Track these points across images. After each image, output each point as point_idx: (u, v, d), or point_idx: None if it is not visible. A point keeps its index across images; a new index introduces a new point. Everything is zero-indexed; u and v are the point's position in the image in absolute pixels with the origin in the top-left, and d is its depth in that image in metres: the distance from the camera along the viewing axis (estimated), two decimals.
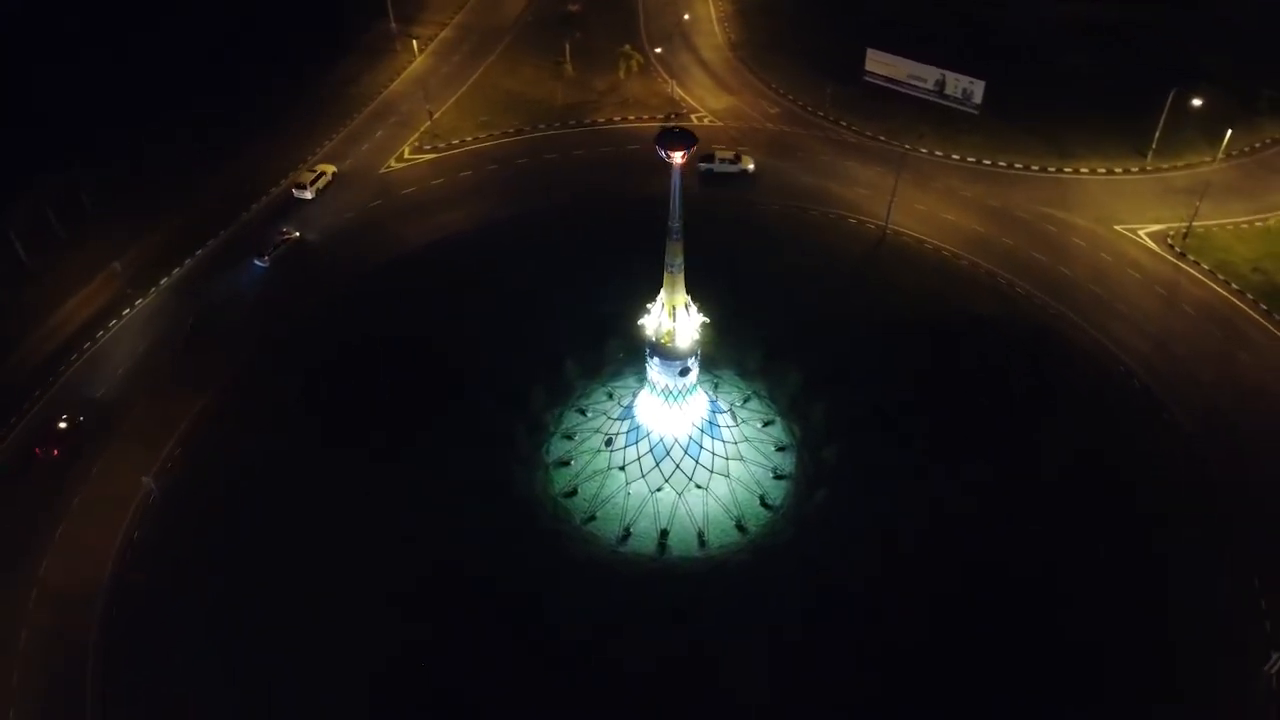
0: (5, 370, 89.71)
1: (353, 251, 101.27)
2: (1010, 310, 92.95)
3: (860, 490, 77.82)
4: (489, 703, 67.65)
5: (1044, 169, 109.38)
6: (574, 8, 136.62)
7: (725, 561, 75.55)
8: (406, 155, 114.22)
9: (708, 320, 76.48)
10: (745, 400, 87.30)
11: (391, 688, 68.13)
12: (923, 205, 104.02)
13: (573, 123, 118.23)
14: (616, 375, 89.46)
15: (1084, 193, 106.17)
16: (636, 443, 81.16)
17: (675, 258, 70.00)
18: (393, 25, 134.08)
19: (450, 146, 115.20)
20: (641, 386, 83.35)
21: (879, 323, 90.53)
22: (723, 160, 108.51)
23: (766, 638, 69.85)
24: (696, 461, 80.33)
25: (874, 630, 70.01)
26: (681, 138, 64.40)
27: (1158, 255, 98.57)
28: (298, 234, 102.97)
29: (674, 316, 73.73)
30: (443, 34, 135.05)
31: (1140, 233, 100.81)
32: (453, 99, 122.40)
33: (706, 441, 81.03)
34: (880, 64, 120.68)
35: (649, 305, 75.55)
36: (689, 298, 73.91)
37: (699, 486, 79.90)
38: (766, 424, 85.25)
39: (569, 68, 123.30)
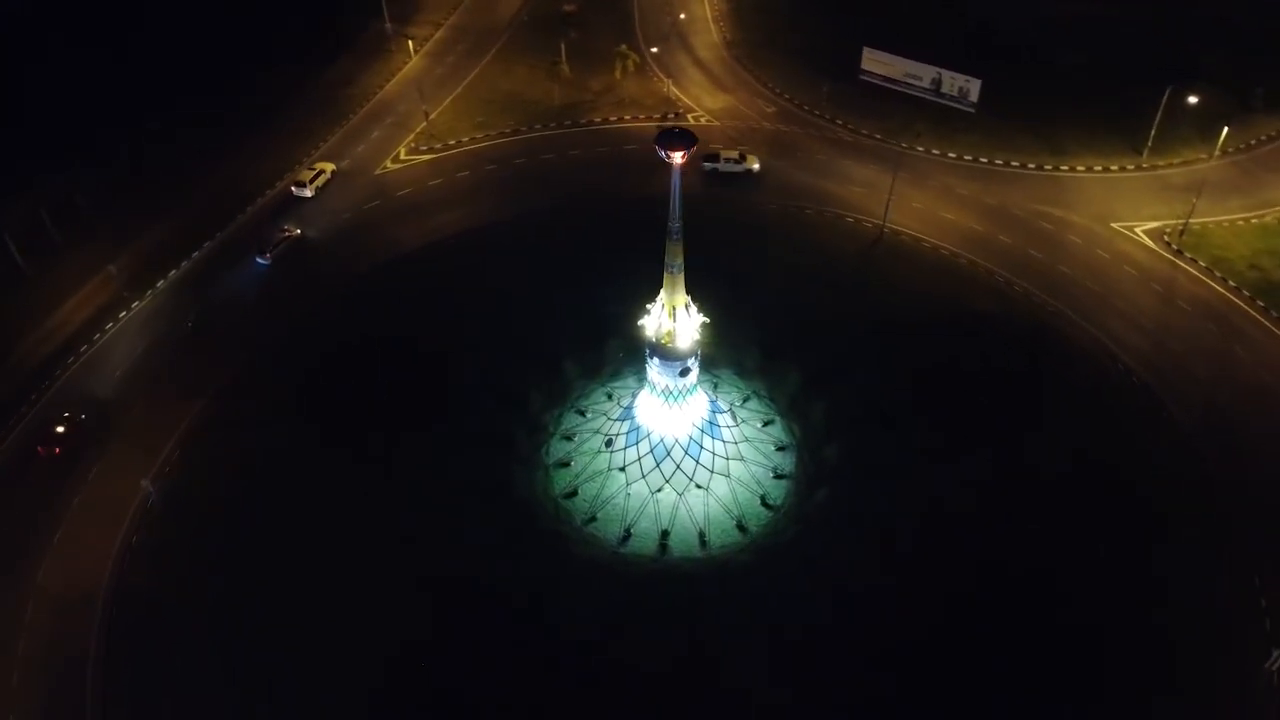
0: (2, 373, 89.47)
1: (351, 252, 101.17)
2: (1008, 308, 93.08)
3: (860, 489, 77.88)
4: (489, 703, 67.63)
5: (1040, 167, 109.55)
6: (569, 8, 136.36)
7: (726, 562, 75.58)
8: (403, 156, 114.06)
9: (708, 320, 76.49)
10: (745, 400, 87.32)
11: (391, 688, 68.09)
12: (920, 204, 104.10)
13: (569, 123, 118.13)
14: (616, 376, 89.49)
15: (1080, 190, 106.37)
16: (637, 443, 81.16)
17: (675, 258, 69.95)
18: (388, 26, 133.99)
19: (447, 147, 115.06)
20: (641, 387, 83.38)
21: (877, 321, 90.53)
22: (728, 159, 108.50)
23: (767, 637, 69.89)
24: (697, 462, 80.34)
25: (874, 630, 70.04)
26: (681, 138, 64.38)
27: (1154, 252, 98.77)
28: (298, 231, 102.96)
29: (674, 317, 73.72)
30: (438, 34, 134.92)
31: (1137, 230, 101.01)
32: (449, 99, 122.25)
33: (707, 442, 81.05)
34: (877, 62, 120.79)
35: (649, 305, 75.53)
36: (689, 298, 73.89)
37: (699, 487, 79.93)
38: (766, 424, 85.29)
39: (565, 68, 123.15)
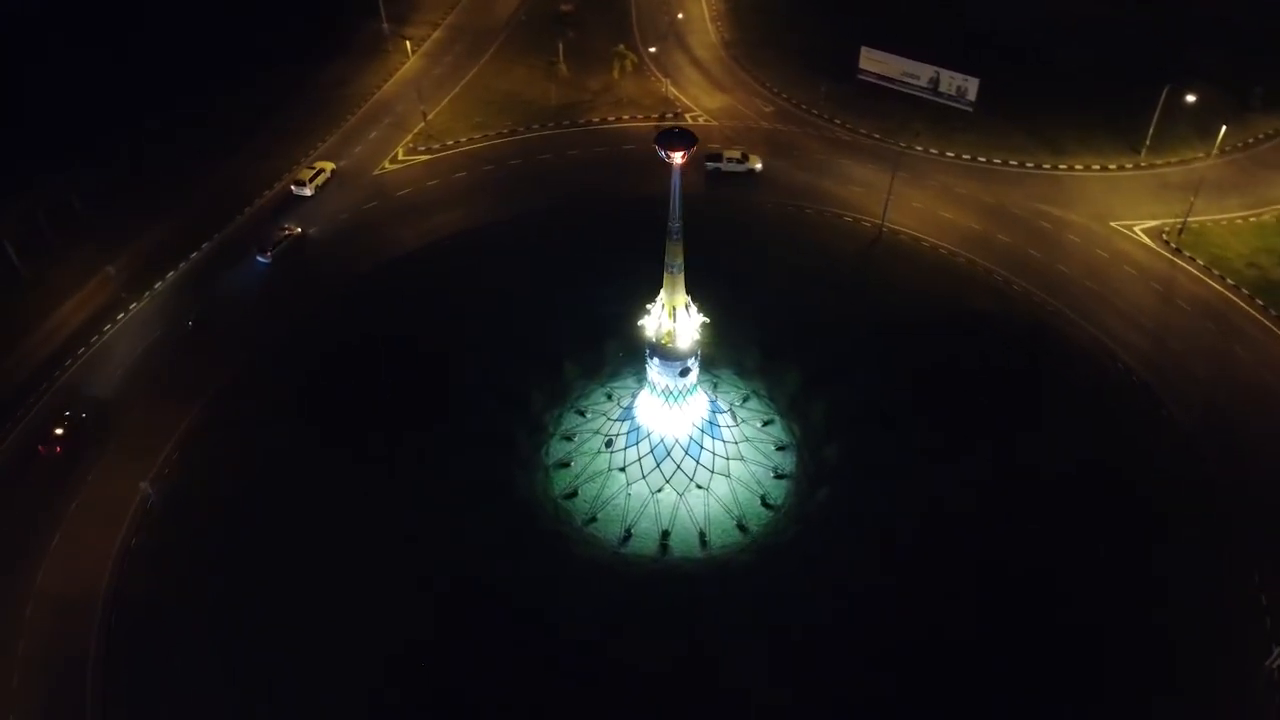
0: (2, 373, 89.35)
1: (350, 253, 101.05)
2: (1007, 307, 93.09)
3: (860, 489, 77.84)
4: (489, 703, 67.60)
5: (1039, 166, 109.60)
6: (566, 7, 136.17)
7: (727, 562, 75.53)
8: (401, 157, 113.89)
9: (708, 320, 76.44)
10: (744, 400, 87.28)
11: (391, 688, 68.03)
12: (918, 203, 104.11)
13: (567, 123, 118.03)
14: (615, 376, 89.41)
15: (1079, 189, 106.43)
16: (637, 443, 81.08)
17: (675, 258, 69.87)
18: (385, 26, 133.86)
19: (444, 148, 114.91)
20: (640, 387, 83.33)
21: (877, 321, 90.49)
22: (730, 159, 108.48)
23: (768, 637, 69.85)
24: (697, 462, 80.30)
25: (874, 630, 70.02)
26: (681, 138, 64.31)
27: (1153, 251, 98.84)
28: (299, 229, 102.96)
29: (674, 317, 73.65)
30: (435, 34, 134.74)
31: (1136, 229, 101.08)
32: (446, 100, 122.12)
33: (707, 442, 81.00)
34: (874, 61, 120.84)
35: (648, 306, 75.47)
36: (689, 298, 73.84)
37: (700, 487, 79.88)
38: (766, 423, 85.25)
39: (563, 68, 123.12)
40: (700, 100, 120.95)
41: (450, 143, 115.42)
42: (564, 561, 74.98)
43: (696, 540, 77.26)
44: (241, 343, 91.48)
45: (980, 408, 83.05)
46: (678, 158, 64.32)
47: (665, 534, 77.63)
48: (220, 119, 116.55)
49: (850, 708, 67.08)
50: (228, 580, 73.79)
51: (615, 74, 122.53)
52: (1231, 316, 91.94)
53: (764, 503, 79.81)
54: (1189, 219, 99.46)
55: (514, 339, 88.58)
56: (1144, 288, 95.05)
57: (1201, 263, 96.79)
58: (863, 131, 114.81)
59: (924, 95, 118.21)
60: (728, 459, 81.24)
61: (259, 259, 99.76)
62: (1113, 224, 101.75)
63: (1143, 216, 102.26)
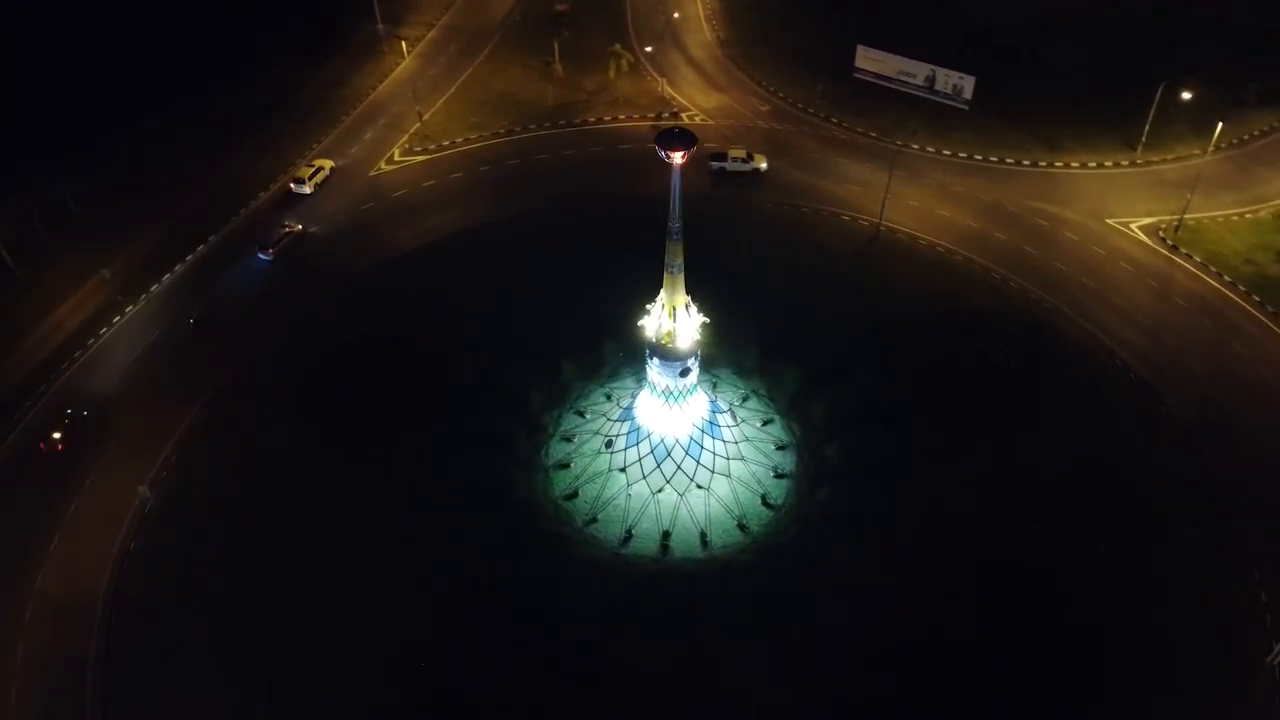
0: (1, 373, 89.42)
1: (348, 253, 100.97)
2: (1005, 305, 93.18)
3: (860, 489, 77.85)
4: (489, 703, 67.61)
5: (1035, 163, 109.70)
6: (562, 7, 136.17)
7: (728, 562, 75.52)
8: (397, 157, 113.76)
9: (708, 320, 76.40)
10: (744, 399, 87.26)
11: (391, 688, 67.99)
12: (915, 201, 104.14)
13: (563, 123, 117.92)
14: (614, 376, 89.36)
15: (1075, 187, 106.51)
16: (637, 444, 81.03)
17: (675, 258, 69.79)
18: (380, 26, 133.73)
19: (441, 148, 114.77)
20: (639, 387, 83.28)
21: (875, 319, 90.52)
22: (735, 159, 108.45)
23: (768, 637, 69.89)
24: (697, 462, 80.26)
25: (874, 630, 70.07)
26: (681, 138, 64.23)
27: (1150, 248, 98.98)
28: (299, 226, 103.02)
29: (674, 317, 73.59)
30: (430, 35, 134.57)
31: (1132, 226, 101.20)
32: (442, 100, 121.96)
33: (707, 441, 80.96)
34: (870, 60, 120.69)
35: (648, 306, 75.40)
36: (689, 298, 73.78)
37: (700, 487, 79.84)
38: (766, 423, 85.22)
39: (559, 67, 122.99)
40: (696, 100, 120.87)
41: (446, 143, 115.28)
42: (564, 562, 74.91)
43: (698, 540, 77.22)
44: (241, 342, 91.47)
45: (979, 407, 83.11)
46: (677, 158, 64.25)
47: (666, 534, 77.58)
48: (220, 119, 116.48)
49: (850, 708, 67.10)
50: (227, 580, 73.82)
51: (611, 74, 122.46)
52: (1228, 313, 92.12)
53: (765, 502, 79.80)
54: (1185, 216, 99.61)
55: (513, 339, 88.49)
56: (1141, 284, 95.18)
57: (1198, 259, 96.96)
58: (859, 130, 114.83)
59: (920, 94, 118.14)
60: (728, 459, 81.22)
61: (260, 256, 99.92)
62: (1109, 221, 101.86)
63: (1139, 213, 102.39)
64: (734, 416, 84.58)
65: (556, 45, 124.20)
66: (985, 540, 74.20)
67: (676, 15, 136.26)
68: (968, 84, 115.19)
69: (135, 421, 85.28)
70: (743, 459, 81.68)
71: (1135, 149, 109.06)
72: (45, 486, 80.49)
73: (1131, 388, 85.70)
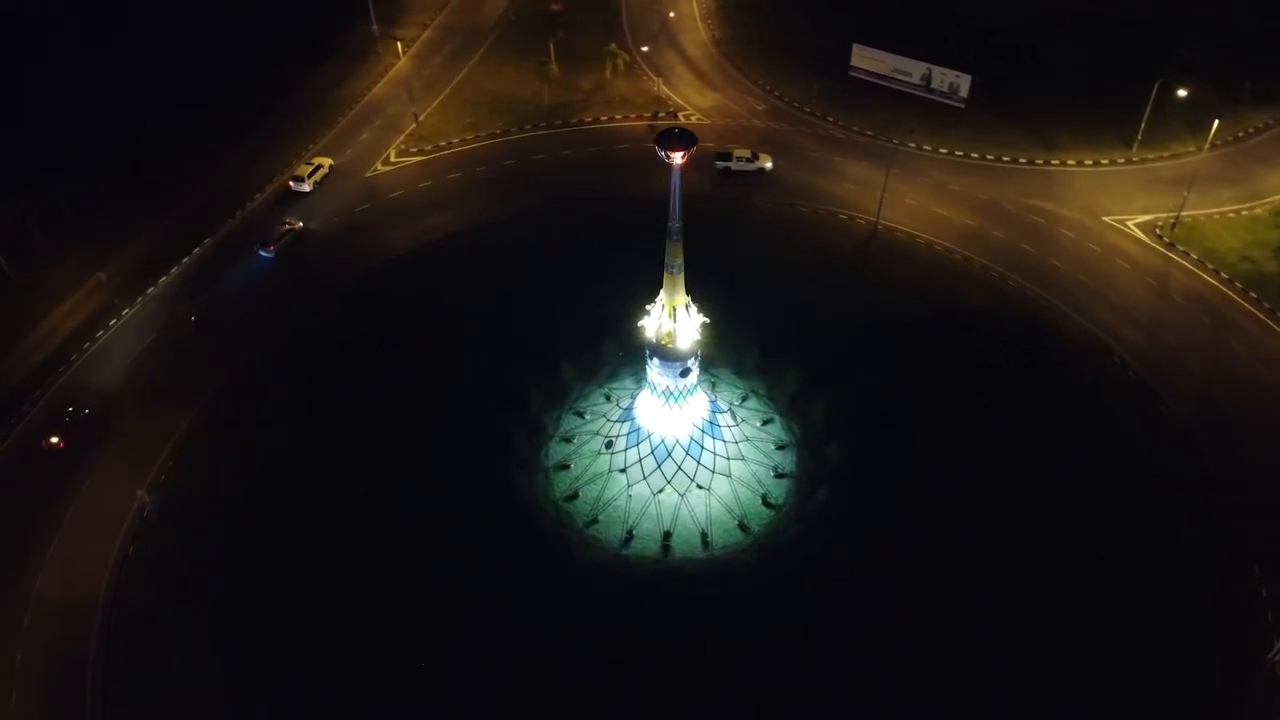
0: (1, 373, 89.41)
1: (346, 253, 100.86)
2: (1003, 303, 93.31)
3: (860, 489, 77.90)
4: (489, 703, 67.67)
5: (1031, 162, 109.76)
6: (557, 7, 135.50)
7: (729, 562, 75.54)
8: (393, 158, 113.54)
9: (708, 320, 76.36)
10: (744, 399, 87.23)
11: (391, 688, 68.01)
12: (912, 200, 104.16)
13: (559, 123, 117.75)
14: (613, 377, 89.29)
15: (1071, 185, 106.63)
16: (637, 444, 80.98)
17: (675, 259, 69.75)
18: (374, 27, 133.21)
19: (437, 149, 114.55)
20: (639, 388, 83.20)
21: (874, 319, 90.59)
22: (740, 158, 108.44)
23: (768, 637, 69.95)
24: (698, 462, 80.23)
25: (874, 630, 70.16)
26: (681, 138, 64.22)
27: (1146, 246, 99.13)
28: (300, 224, 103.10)
29: (674, 317, 73.53)
30: (425, 35, 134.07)
31: (1129, 223, 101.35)
32: (437, 101, 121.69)
33: (707, 442, 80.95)
34: (866, 59, 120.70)
35: (648, 306, 75.33)
36: (689, 298, 73.71)
37: (701, 487, 79.84)
38: (766, 422, 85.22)
39: (554, 68, 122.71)
40: (692, 99, 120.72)
41: (443, 144, 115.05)
42: (565, 563, 74.97)
43: (698, 540, 77.24)
44: (241, 342, 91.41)
45: (979, 406, 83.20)
46: (677, 158, 64.21)
47: (667, 535, 77.60)
48: (220, 119, 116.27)
49: (850, 708, 67.23)
50: (227, 581, 73.86)
51: (607, 73, 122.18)
52: (1226, 310, 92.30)
53: (765, 502, 79.83)
54: (1182, 213, 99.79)
55: (512, 339, 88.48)
56: (1138, 282, 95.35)
57: (1195, 257, 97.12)
58: (856, 129, 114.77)
59: (916, 92, 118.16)
60: (728, 459, 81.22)
61: (262, 253, 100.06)
62: (1106, 219, 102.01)
63: (1135, 211, 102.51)
64: (734, 416, 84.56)
65: (552, 45, 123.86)
66: (985, 540, 74.30)
67: (672, 15, 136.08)
68: (964, 82, 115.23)
69: (135, 422, 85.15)
70: (743, 459, 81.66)
71: (1131, 146, 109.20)
72: (45, 487, 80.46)
73: (1130, 386, 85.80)
